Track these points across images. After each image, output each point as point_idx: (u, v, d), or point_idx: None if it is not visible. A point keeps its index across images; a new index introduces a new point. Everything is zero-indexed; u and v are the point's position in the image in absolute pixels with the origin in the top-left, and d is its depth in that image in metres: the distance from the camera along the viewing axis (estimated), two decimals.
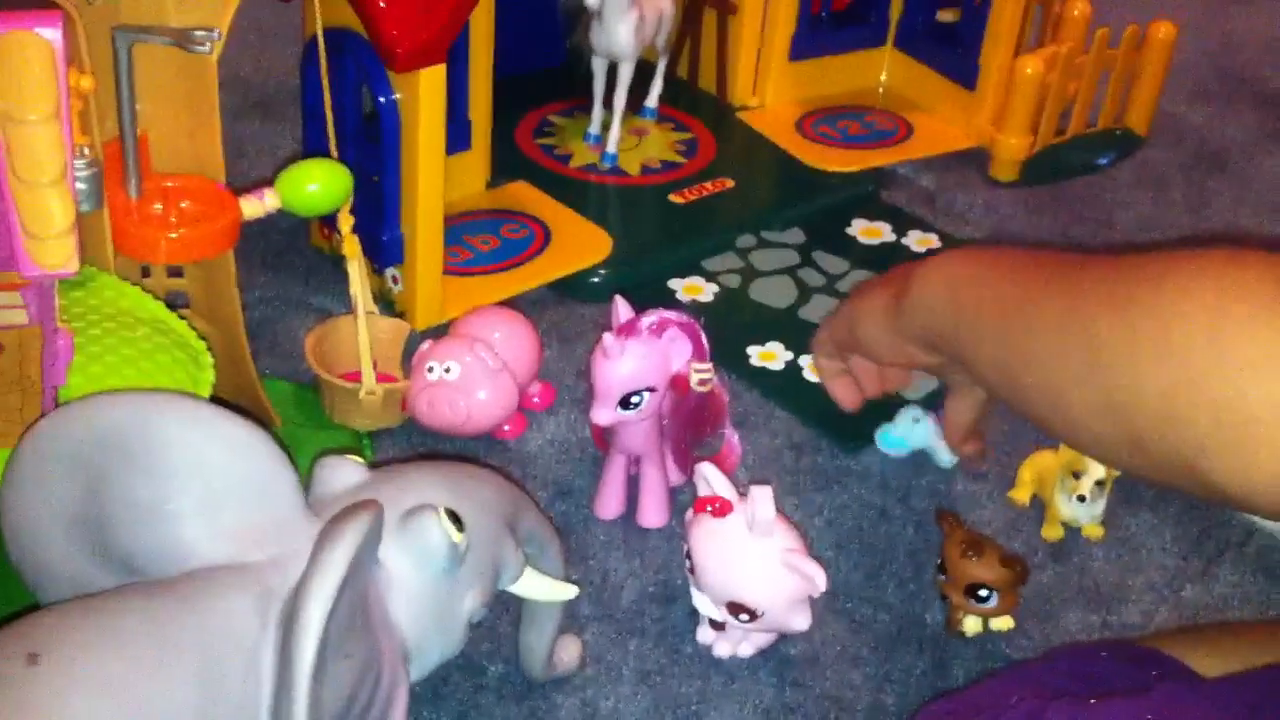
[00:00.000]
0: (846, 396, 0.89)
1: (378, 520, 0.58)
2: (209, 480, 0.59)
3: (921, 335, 0.75)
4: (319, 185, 0.82)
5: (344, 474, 0.64)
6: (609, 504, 0.88)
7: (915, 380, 0.90)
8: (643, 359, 0.81)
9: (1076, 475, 0.87)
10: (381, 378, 0.93)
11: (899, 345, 0.78)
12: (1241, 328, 0.51)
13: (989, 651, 0.81)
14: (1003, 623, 0.81)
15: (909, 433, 0.94)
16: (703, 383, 0.84)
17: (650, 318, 0.82)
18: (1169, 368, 0.53)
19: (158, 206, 0.78)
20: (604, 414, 0.82)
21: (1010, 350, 0.64)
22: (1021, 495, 0.91)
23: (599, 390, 0.82)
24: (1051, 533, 0.89)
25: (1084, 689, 0.63)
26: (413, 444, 0.93)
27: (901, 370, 0.86)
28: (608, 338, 0.81)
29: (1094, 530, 0.89)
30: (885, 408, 0.93)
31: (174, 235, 0.76)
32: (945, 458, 0.93)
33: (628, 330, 0.81)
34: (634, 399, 0.82)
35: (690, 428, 0.87)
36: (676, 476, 0.89)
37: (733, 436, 0.90)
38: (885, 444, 0.94)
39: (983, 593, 0.80)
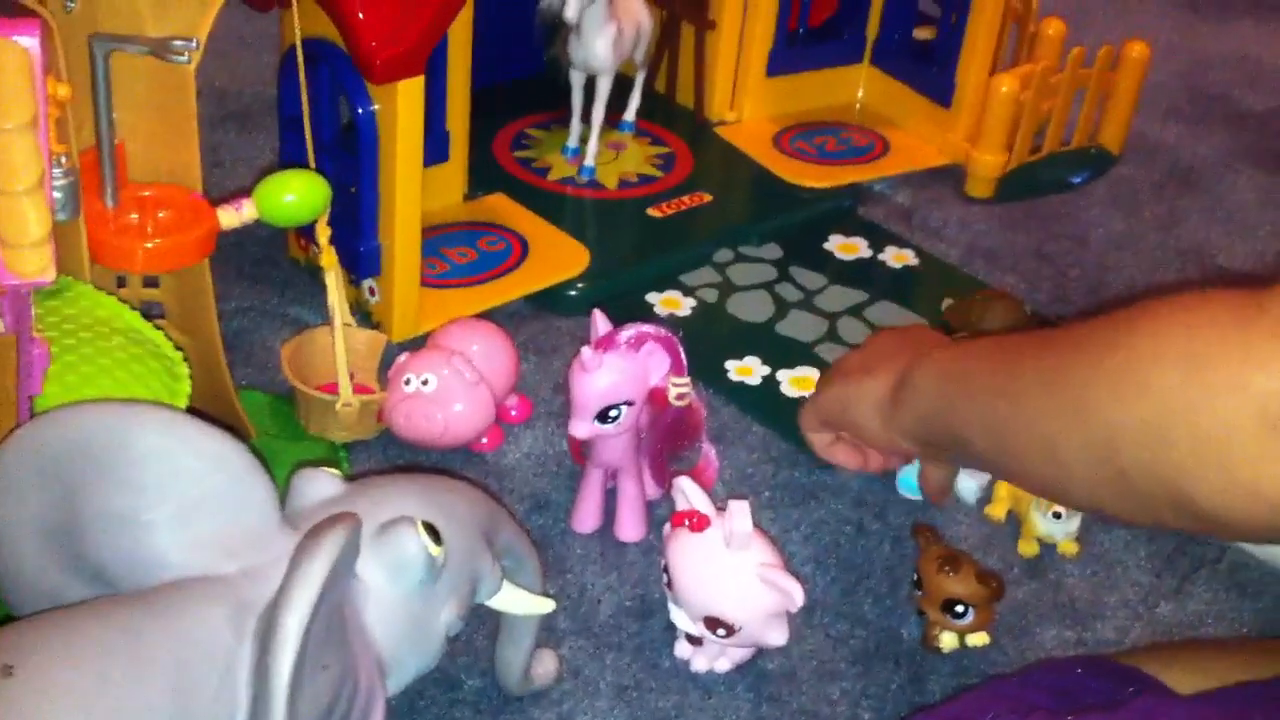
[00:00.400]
0: (851, 460, 0.89)
1: (355, 533, 0.58)
2: (184, 491, 0.59)
3: (914, 429, 0.78)
4: (296, 196, 0.82)
5: (320, 486, 0.63)
6: (586, 518, 0.88)
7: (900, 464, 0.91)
8: (620, 373, 0.81)
9: None
10: (358, 389, 0.93)
11: (893, 438, 0.81)
12: (1211, 353, 0.54)
13: (965, 667, 0.81)
14: (979, 638, 0.82)
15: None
16: (680, 397, 0.84)
17: (628, 331, 0.82)
18: (1149, 401, 0.56)
19: (134, 216, 0.77)
20: (582, 427, 0.82)
21: (1002, 418, 0.67)
22: (997, 511, 0.91)
23: (577, 404, 0.82)
24: (1027, 549, 0.89)
25: (1059, 704, 0.63)
26: (389, 456, 0.92)
27: (892, 455, 0.87)
28: (585, 351, 0.81)
29: (1069, 547, 0.89)
30: None
31: (150, 245, 0.76)
32: (969, 497, 0.93)
33: (606, 344, 0.81)
34: (612, 413, 0.82)
35: (668, 441, 0.87)
36: (654, 490, 0.89)
37: (710, 451, 0.90)
38: (904, 487, 0.93)
39: (959, 608, 0.80)
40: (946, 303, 1.10)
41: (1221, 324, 0.54)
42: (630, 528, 0.88)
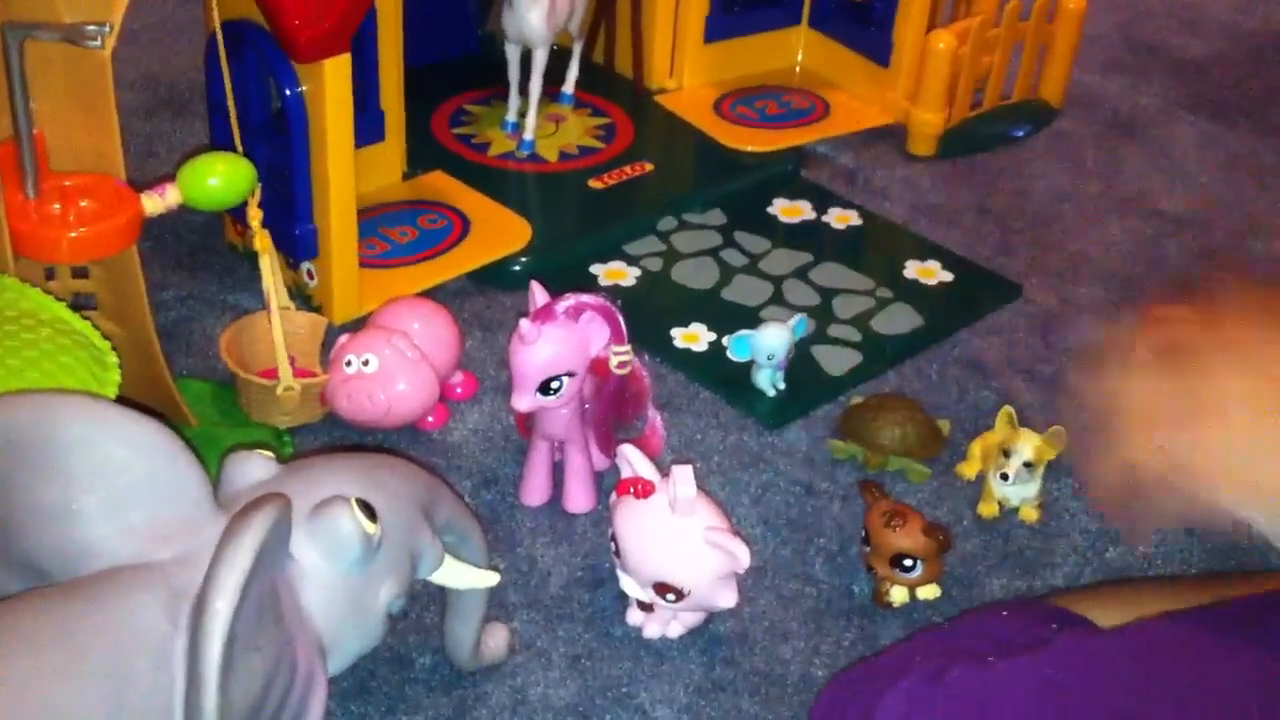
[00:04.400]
0: None
1: (284, 513, 0.57)
2: (112, 480, 0.58)
3: None
4: (219, 179, 0.81)
5: (252, 469, 0.63)
6: (535, 491, 0.88)
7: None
8: (560, 344, 0.81)
9: (1006, 454, 0.87)
10: (300, 373, 0.92)
11: None
12: None
13: (916, 620, 0.81)
14: (929, 591, 0.82)
15: (763, 336, 0.96)
16: (622, 365, 0.84)
17: (566, 302, 0.81)
18: None
19: (57, 206, 0.76)
20: (524, 400, 0.82)
21: None
22: (968, 470, 0.91)
23: (517, 377, 0.82)
24: (987, 509, 0.89)
25: (987, 648, 0.64)
26: (334, 438, 0.92)
27: None
28: (524, 323, 0.80)
29: (1029, 513, 0.89)
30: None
31: (74, 234, 0.75)
32: (765, 383, 0.96)
33: (544, 315, 0.81)
34: (553, 384, 0.81)
35: (612, 410, 0.87)
36: (602, 461, 0.89)
37: (656, 418, 0.90)
38: (737, 351, 0.97)
39: (907, 562, 0.80)
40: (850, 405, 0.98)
41: None
42: (579, 499, 0.87)
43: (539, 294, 0.83)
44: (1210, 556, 0.87)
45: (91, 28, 0.71)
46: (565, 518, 0.87)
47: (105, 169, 0.78)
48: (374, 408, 0.88)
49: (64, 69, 0.76)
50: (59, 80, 0.76)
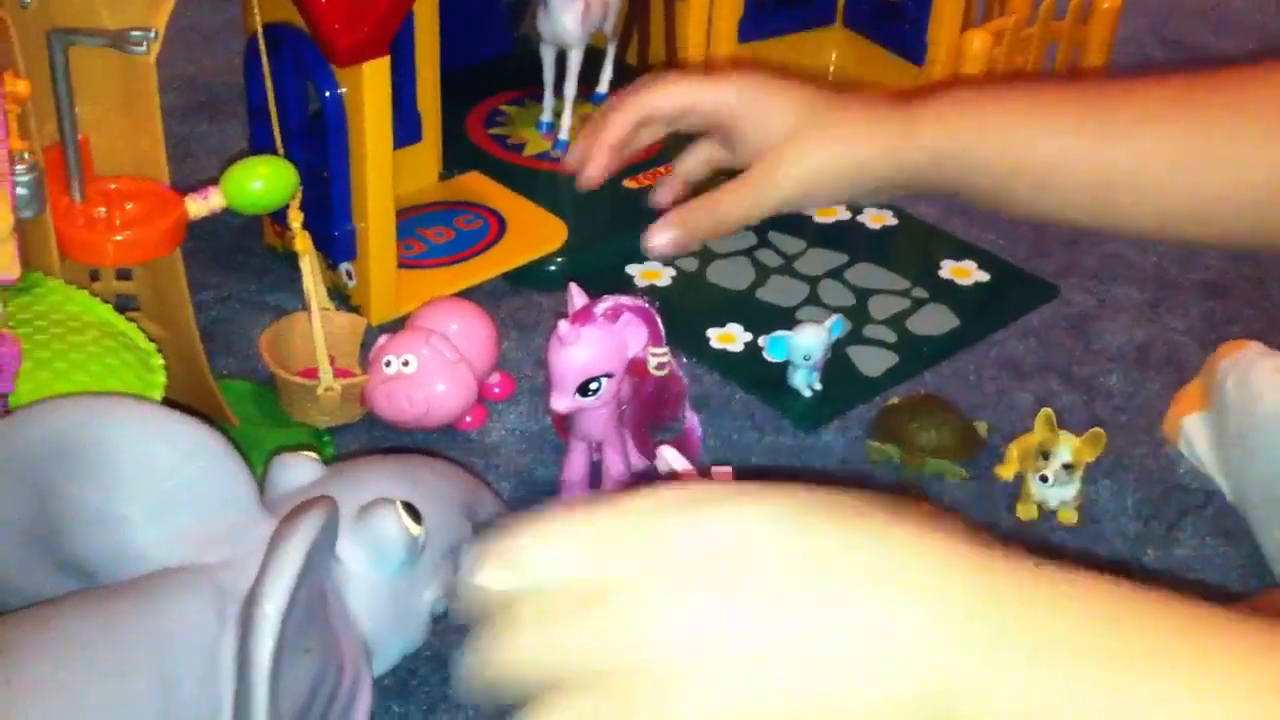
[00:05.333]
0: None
1: (332, 516, 0.58)
2: (159, 483, 0.59)
3: (936, 156, 0.71)
4: (263, 182, 0.82)
5: (299, 472, 0.63)
6: (573, 492, 0.88)
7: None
8: (598, 345, 0.81)
9: (1045, 456, 0.87)
10: (339, 373, 0.93)
11: (884, 171, 0.73)
12: None
13: None
14: None
15: (799, 337, 0.95)
16: (660, 366, 0.84)
17: (605, 303, 0.82)
18: None
19: (102, 209, 0.77)
20: (563, 401, 0.82)
21: (1110, 158, 0.67)
22: (1006, 472, 0.91)
23: (556, 378, 0.82)
24: (1025, 512, 0.89)
25: None
26: (373, 439, 0.92)
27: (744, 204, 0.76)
28: (563, 324, 0.81)
29: (1067, 515, 0.89)
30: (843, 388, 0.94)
31: (119, 237, 0.76)
32: (801, 384, 0.96)
33: (583, 317, 0.81)
34: (592, 385, 0.82)
35: (650, 411, 0.87)
36: (639, 461, 0.89)
37: (693, 419, 0.90)
38: (773, 352, 0.96)
39: None
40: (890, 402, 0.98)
41: None
42: None
43: (577, 296, 0.83)
44: (1249, 563, 0.87)
45: (136, 33, 0.72)
46: None
47: (149, 173, 0.79)
48: (412, 408, 0.89)
49: (108, 74, 0.77)
50: (103, 85, 0.77)
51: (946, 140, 0.72)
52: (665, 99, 0.80)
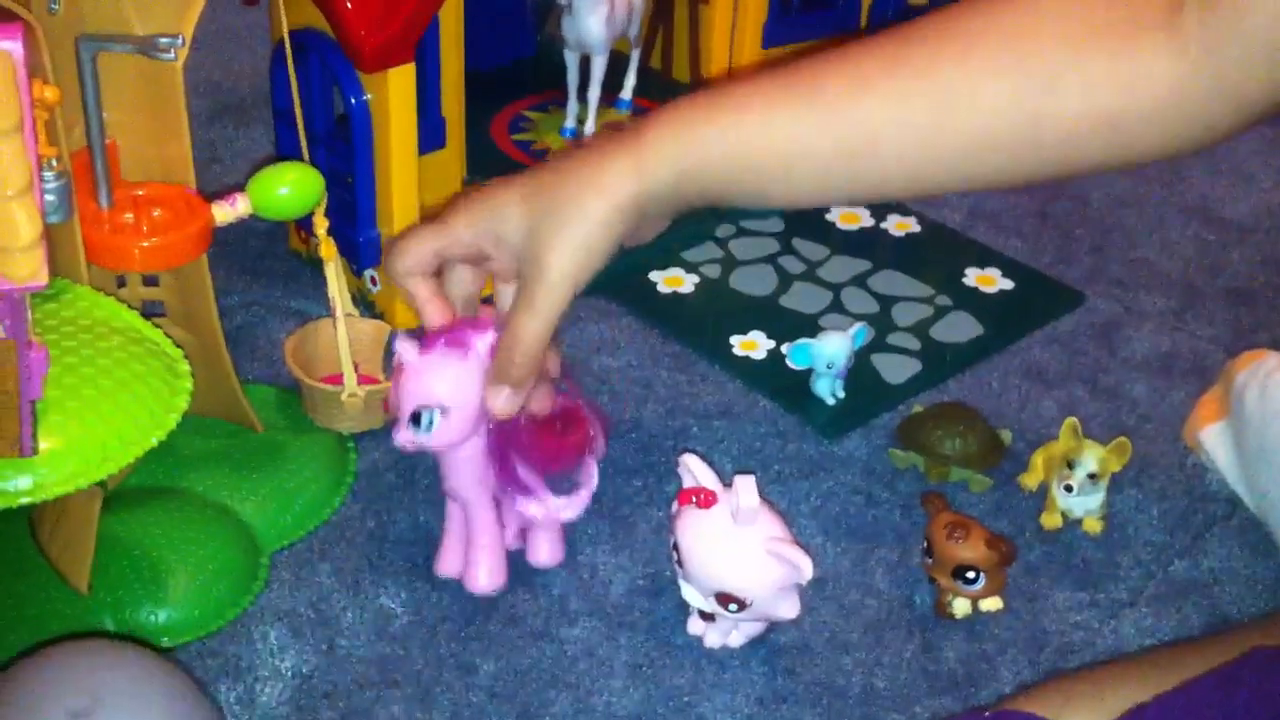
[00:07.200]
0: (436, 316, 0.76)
1: None
2: None
3: (675, 180, 0.70)
4: (290, 189, 0.82)
5: None
6: (443, 558, 0.81)
7: None
8: (433, 373, 0.73)
9: (1070, 465, 0.87)
10: (363, 379, 0.93)
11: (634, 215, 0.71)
12: None
13: (978, 633, 0.81)
14: (991, 603, 0.81)
15: (823, 345, 0.96)
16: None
17: (458, 331, 0.74)
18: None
19: (129, 215, 0.77)
20: (399, 433, 0.74)
21: (842, 130, 0.68)
22: (1030, 481, 0.91)
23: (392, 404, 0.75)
24: (1050, 521, 0.88)
25: None
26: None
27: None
28: (400, 342, 0.74)
29: (1093, 524, 0.88)
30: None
31: (147, 243, 0.76)
32: (825, 392, 0.96)
33: (428, 341, 0.74)
34: (423, 417, 0.73)
35: (509, 450, 0.77)
36: (513, 537, 0.82)
37: (590, 475, 0.82)
38: (796, 360, 0.97)
39: (969, 574, 0.80)
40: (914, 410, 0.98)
41: None
42: (483, 574, 0.80)
43: (436, 319, 0.77)
44: (1273, 574, 0.86)
45: (164, 40, 0.72)
46: (625, 526, 0.88)
47: (176, 178, 0.79)
48: None
49: (136, 80, 0.77)
50: (131, 91, 0.78)
51: (678, 160, 0.70)
52: (413, 260, 0.75)
